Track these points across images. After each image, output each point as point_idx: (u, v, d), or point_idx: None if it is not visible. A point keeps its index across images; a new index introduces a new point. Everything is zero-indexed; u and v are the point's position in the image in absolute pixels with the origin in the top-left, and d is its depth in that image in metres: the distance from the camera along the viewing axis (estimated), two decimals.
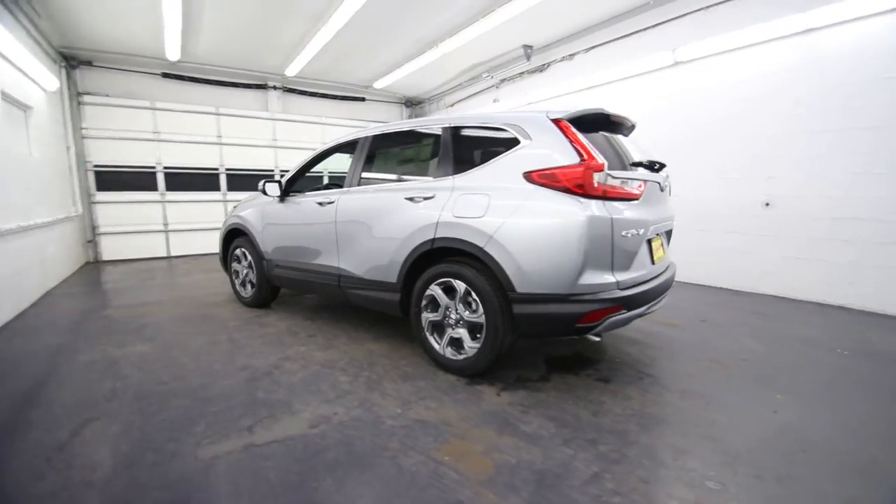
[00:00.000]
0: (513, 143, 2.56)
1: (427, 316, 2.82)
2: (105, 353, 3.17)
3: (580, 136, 2.38)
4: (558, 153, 2.37)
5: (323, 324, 3.87)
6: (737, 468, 1.81)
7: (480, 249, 2.48)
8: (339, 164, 4.06)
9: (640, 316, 2.49)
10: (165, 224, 7.92)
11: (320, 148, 3.87)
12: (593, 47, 6.43)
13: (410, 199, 2.87)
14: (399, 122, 3.28)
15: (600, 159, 2.28)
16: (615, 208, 2.30)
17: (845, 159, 4.05)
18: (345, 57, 7.47)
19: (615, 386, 2.60)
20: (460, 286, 2.61)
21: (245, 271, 4.39)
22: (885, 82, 3.77)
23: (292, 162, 9.11)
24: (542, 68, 7.34)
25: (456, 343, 2.71)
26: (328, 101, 9.57)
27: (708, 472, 1.78)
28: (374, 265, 3.08)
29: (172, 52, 6.86)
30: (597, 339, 2.36)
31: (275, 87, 8.83)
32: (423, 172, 3.07)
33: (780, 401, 2.40)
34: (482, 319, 2.53)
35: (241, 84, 8.51)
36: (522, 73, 7.66)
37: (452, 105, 9.71)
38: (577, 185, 2.26)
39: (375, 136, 3.36)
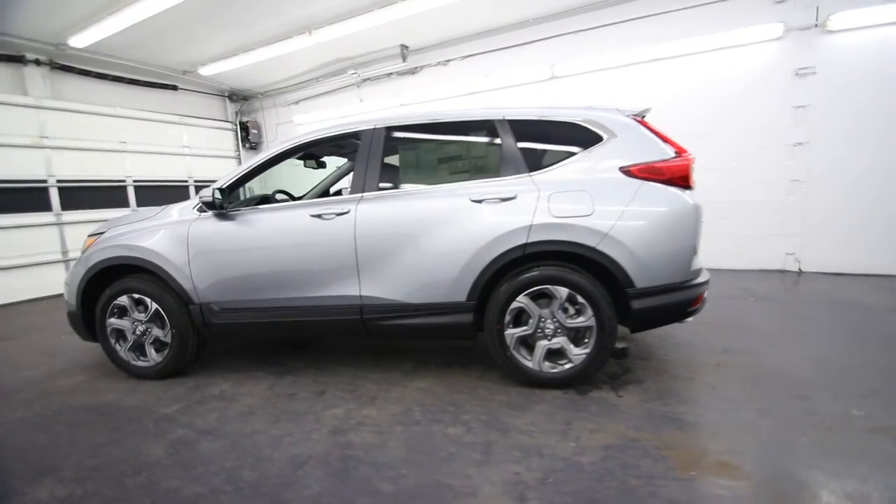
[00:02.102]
0: (593, 138, 2.50)
1: (513, 332, 2.49)
2: None
3: (661, 132, 2.51)
4: (649, 148, 2.44)
5: (312, 373, 2.93)
6: (847, 398, 2.26)
7: (593, 249, 2.34)
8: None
9: None
10: None
11: (284, 145, 2.88)
12: (470, 56, 6.73)
13: (478, 201, 2.47)
14: (422, 112, 2.74)
15: (690, 154, 2.47)
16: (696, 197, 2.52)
17: (719, 158, 5.35)
18: (176, 31, 5.75)
19: (693, 358, 2.85)
20: (561, 291, 2.40)
21: (143, 328, 2.92)
22: (740, 98, 5.20)
23: (78, 169, 6.49)
24: (413, 71, 7.26)
25: (554, 354, 2.49)
26: (125, 86, 7.17)
27: (844, 405, 2.17)
28: (429, 284, 2.53)
29: None
30: (689, 320, 2.55)
31: (38, 63, 6.08)
32: (480, 171, 2.67)
33: (790, 344, 3.07)
34: (591, 322, 2.40)
35: None
36: (391, 73, 7.41)
37: (297, 103, 8.62)
38: (681, 177, 2.39)
39: (391, 129, 2.72)
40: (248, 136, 9.13)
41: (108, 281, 2.97)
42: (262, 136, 9.30)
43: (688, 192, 2.41)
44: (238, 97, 9.04)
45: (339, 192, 4.24)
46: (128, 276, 2.94)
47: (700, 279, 2.47)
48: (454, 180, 2.64)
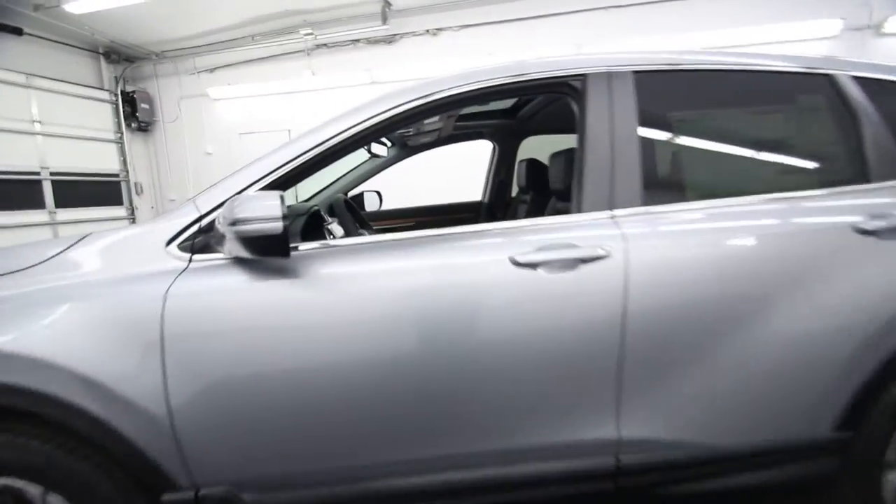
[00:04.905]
0: None
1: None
2: None
3: None
4: None
5: None
6: None
7: None
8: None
9: None
10: None
11: (412, 96, 1.24)
12: (469, 25, 5.39)
13: (869, 232, 1.22)
14: (694, 52, 1.40)
15: None
16: None
17: None
18: None
19: None
20: None
21: None
22: None
23: None
24: (389, 40, 5.65)
25: None
26: None
27: None
28: (768, 406, 1.22)
29: None
30: None
31: None
32: (828, 169, 1.41)
33: None
34: None
35: None
36: (358, 40, 5.70)
37: (213, 71, 6.35)
38: None
39: (647, 76, 1.31)
40: (134, 111, 6.50)
41: None
42: (157, 114, 6.75)
43: None
44: (120, 56, 6.38)
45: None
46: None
47: None
48: (781, 187, 1.33)
